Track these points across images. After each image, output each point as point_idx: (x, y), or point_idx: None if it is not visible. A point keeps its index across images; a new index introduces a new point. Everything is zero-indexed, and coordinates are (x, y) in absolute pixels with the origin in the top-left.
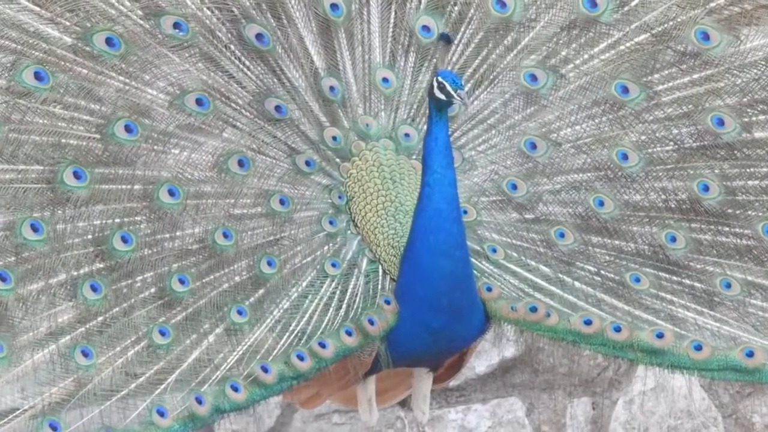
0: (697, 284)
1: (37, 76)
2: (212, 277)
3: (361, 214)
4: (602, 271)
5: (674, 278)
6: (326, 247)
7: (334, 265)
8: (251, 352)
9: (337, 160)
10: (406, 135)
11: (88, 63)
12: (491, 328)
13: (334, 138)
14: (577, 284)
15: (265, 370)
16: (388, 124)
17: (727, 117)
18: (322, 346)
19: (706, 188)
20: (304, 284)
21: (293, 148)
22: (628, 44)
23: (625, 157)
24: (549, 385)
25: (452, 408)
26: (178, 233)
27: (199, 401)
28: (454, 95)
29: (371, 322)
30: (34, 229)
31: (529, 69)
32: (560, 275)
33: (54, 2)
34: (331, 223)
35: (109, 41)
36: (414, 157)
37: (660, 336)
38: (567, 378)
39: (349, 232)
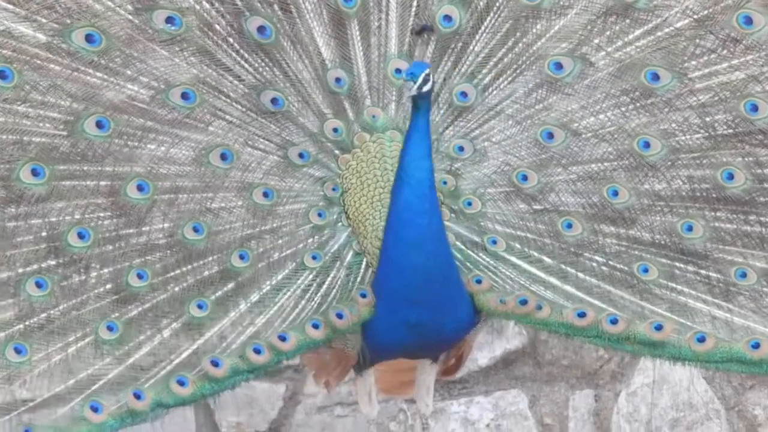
0: (713, 274)
1: (0, 74)
2: (178, 271)
3: (355, 205)
4: (611, 262)
5: (689, 268)
6: (310, 240)
7: (314, 258)
8: (209, 346)
9: (336, 151)
10: None
11: (62, 60)
12: (483, 321)
13: (335, 130)
14: (581, 275)
15: (215, 364)
16: (398, 116)
17: (762, 102)
18: (282, 339)
19: (731, 176)
20: (280, 277)
21: (287, 141)
22: (666, 30)
23: (647, 145)
24: (551, 377)
25: (455, 400)
26: (145, 228)
27: (138, 396)
28: (404, 84)
29: (339, 316)
30: None
31: (555, 57)
32: (564, 266)
33: (30, 0)
34: (319, 215)
35: (89, 38)
36: None
37: (659, 328)
38: (569, 370)
39: (339, 224)
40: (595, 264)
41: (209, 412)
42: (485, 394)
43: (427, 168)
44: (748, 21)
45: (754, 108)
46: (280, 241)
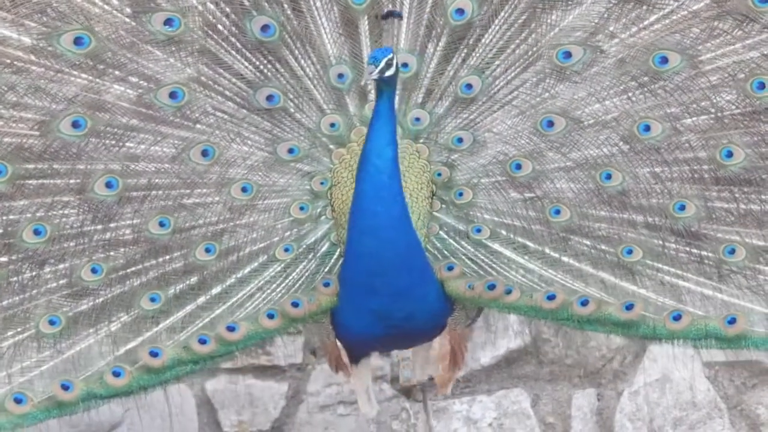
0: (704, 253)
1: None
2: (140, 266)
3: (341, 198)
4: (599, 245)
5: (681, 248)
6: (287, 233)
7: (286, 250)
8: (155, 338)
9: (332, 146)
10: (417, 119)
11: (45, 62)
12: (459, 309)
13: (333, 125)
14: (564, 259)
15: (154, 354)
16: (400, 109)
17: None
18: (231, 329)
19: (730, 154)
20: (247, 270)
21: (277, 137)
22: (682, 13)
23: (647, 128)
24: (554, 376)
25: (457, 399)
26: (112, 224)
27: (66, 387)
28: (366, 68)
29: (295, 305)
30: None
31: (564, 46)
32: (548, 251)
33: (20, 5)
34: (301, 209)
35: (78, 40)
36: (421, 141)
37: (629, 308)
38: (572, 369)
39: (323, 217)
40: (584, 248)
41: (212, 411)
42: (488, 393)
43: (387, 157)
44: (765, 0)
45: (761, 86)
46: (254, 235)
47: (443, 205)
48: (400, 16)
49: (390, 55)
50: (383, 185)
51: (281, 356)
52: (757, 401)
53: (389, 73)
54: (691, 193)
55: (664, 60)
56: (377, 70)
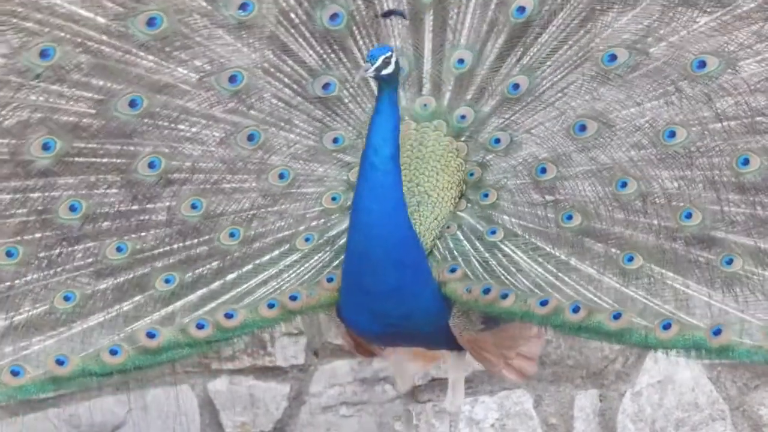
0: (710, 257)
1: (43, 53)
2: (168, 248)
3: None
4: (611, 250)
5: (691, 254)
6: (313, 223)
7: (306, 240)
8: (167, 319)
9: None
10: (462, 116)
11: (115, 42)
12: (460, 312)
13: None
14: (573, 262)
15: (151, 335)
16: (449, 105)
17: None
18: (229, 316)
19: (746, 162)
20: (266, 258)
21: (326, 125)
22: (734, 14)
23: (672, 134)
24: (556, 377)
25: None
26: (149, 205)
27: (61, 363)
28: (362, 65)
29: (293, 298)
30: None
31: (611, 49)
32: (560, 255)
33: None
34: (333, 199)
35: (150, 21)
36: (462, 139)
37: (617, 317)
38: (574, 370)
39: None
40: (597, 250)
41: (214, 411)
42: (490, 393)
43: (384, 154)
44: None
45: None
46: (282, 223)
47: (468, 205)
48: (402, 15)
49: (388, 53)
50: (378, 183)
51: (283, 357)
52: (759, 402)
53: (387, 71)
54: (705, 200)
55: (702, 64)
56: (373, 68)
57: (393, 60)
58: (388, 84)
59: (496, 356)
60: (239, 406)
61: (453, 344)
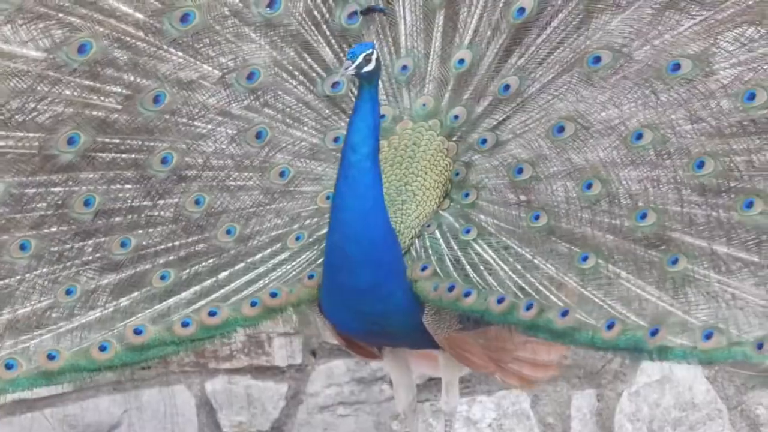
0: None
1: (80, 48)
2: (171, 244)
3: None
4: (573, 248)
5: (645, 254)
6: (307, 222)
7: (297, 239)
8: (154, 317)
9: None
10: (455, 116)
11: (148, 38)
12: (432, 311)
13: (382, 116)
14: (537, 261)
15: (138, 332)
16: (445, 104)
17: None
18: (212, 314)
19: (701, 165)
20: (258, 256)
21: (329, 125)
22: (719, 17)
23: (639, 137)
24: (554, 376)
25: None
26: (161, 201)
27: (52, 357)
28: (342, 64)
29: (273, 295)
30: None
31: (597, 51)
32: (528, 254)
33: None
34: (328, 198)
35: (184, 17)
36: (453, 139)
37: (564, 315)
38: (572, 370)
39: None
40: (561, 249)
41: (212, 411)
42: (487, 393)
43: (362, 153)
44: None
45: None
46: (278, 221)
47: (451, 204)
48: (382, 10)
49: (369, 51)
50: (355, 181)
51: (281, 357)
52: (756, 402)
53: (368, 68)
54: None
55: (677, 66)
56: (354, 66)
57: (374, 57)
58: (368, 81)
59: (483, 359)
60: (237, 406)
61: (435, 344)
